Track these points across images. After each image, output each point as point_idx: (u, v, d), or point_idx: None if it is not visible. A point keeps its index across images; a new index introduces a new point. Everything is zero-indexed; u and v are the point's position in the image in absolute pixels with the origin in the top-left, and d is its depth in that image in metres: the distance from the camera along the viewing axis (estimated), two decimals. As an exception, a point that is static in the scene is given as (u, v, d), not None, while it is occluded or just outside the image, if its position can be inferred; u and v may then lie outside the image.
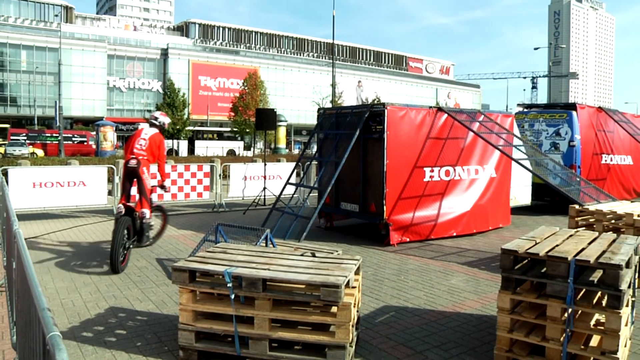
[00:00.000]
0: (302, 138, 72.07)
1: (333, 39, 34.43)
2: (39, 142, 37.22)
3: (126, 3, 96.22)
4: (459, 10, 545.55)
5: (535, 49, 61.31)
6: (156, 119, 7.50)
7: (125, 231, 6.64)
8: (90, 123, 52.71)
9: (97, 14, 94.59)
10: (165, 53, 70.20)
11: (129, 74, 68.30)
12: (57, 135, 37.02)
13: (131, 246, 6.90)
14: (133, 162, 6.85)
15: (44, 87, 61.20)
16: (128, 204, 6.86)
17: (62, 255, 7.46)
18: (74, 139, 38.85)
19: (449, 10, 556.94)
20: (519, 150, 9.03)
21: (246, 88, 49.52)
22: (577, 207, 6.65)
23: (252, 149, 46.91)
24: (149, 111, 52.44)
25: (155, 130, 7.30)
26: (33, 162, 18.06)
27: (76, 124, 59.72)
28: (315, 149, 11.26)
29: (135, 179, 6.92)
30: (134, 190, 7.03)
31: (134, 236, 6.97)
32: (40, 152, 35.08)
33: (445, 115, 9.02)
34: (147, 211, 6.99)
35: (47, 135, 38.66)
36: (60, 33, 45.25)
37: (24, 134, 37.64)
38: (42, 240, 8.53)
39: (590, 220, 6.53)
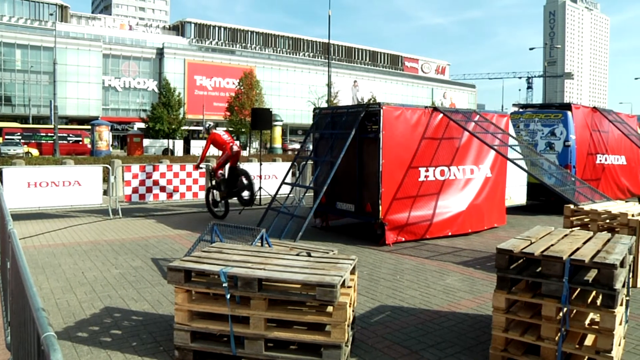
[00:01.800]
0: (297, 138, 72.02)
1: (329, 39, 34.45)
2: (33, 141, 37.06)
3: (121, 2, 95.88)
4: (455, 10, 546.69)
5: (531, 49, 61.59)
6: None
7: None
8: (86, 122, 52.54)
9: (92, 13, 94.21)
10: (160, 52, 69.99)
11: (125, 73, 68.06)
12: (52, 134, 36.87)
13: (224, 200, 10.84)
14: (236, 148, 10.60)
15: (38, 86, 60.90)
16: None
17: (57, 255, 7.43)
18: (69, 138, 38.71)
19: (445, 10, 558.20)
20: (515, 150, 9.05)
21: (242, 88, 49.43)
22: (572, 206, 6.67)
23: (247, 148, 46.87)
24: (144, 111, 52.24)
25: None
26: (28, 161, 17.99)
27: (71, 123, 59.49)
28: (311, 148, 11.25)
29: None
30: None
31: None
32: (35, 152, 34.95)
33: (441, 115, 9.03)
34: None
35: (42, 134, 38.47)
36: (55, 32, 45.04)
37: (19, 133, 37.46)
38: (37, 240, 8.50)
39: (585, 220, 6.56)
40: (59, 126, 37.44)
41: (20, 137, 36.41)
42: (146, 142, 41.44)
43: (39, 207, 10.54)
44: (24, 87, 60.42)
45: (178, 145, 43.48)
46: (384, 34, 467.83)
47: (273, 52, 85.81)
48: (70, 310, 5.08)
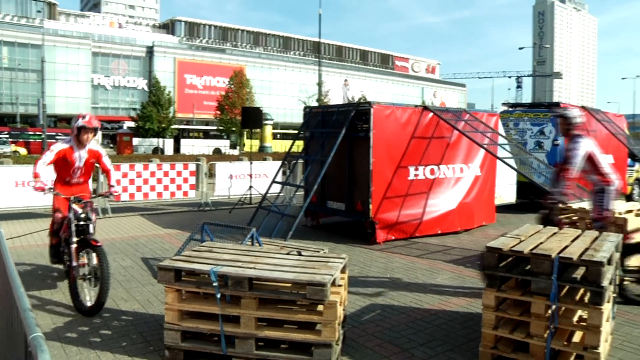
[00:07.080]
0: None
1: (319, 38, 34.41)
2: (21, 140, 36.75)
3: (111, 0, 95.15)
4: (446, 9, 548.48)
5: (520, 48, 62.14)
6: None
7: None
8: (74, 121, 51.98)
9: (81, 10, 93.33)
10: (150, 51, 69.60)
11: (114, 71, 67.59)
12: (41, 133, 36.55)
13: None
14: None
15: (26, 84, 60.27)
16: None
17: (45, 255, 7.34)
18: (57, 137, 38.36)
19: (436, 10, 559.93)
20: (504, 149, 9.11)
21: (232, 86, 49.27)
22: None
23: (238, 147, 46.75)
24: (134, 109, 51.95)
25: None
26: (15, 160, 17.81)
27: (60, 122, 58.96)
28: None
29: None
30: None
31: None
32: (23, 151, 34.63)
33: (431, 114, 9.06)
34: None
35: (30, 133, 38.16)
36: (43, 29, 44.61)
37: (6, 132, 37.10)
38: (24, 240, 8.41)
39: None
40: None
41: (7, 136, 36.06)
42: (136, 141, 41.25)
43: (27, 207, 10.43)
44: (11, 85, 59.72)
45: (168, 144, 43.32)
46: (375, 33, 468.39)
47: (263, 50, 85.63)
48: (58, 310, 5.03)
